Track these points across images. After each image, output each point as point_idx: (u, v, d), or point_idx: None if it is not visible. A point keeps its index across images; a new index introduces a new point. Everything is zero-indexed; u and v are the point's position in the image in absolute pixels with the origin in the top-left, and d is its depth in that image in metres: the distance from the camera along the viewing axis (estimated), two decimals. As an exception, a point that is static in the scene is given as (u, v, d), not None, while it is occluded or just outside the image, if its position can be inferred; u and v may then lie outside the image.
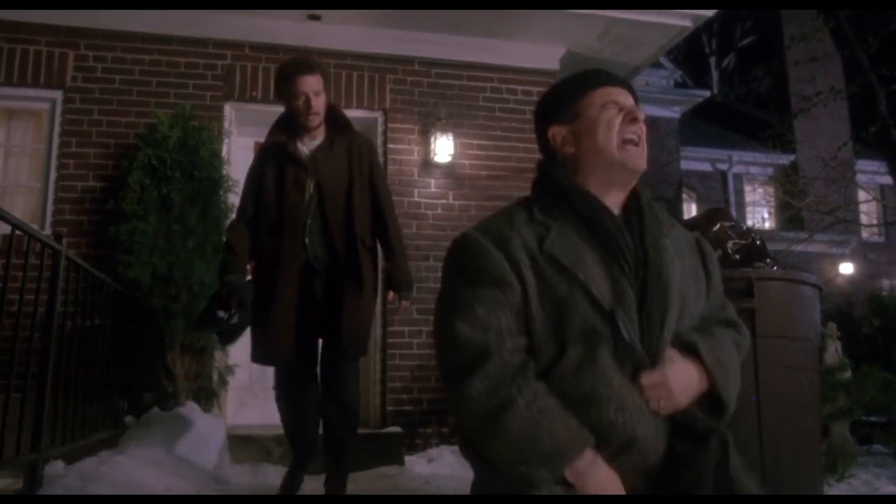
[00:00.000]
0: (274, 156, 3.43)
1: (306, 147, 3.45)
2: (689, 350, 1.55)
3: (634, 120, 1.62)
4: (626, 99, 1.64)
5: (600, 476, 1.43)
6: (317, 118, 3.39)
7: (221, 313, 3.30)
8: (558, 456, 1.41)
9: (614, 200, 1.64)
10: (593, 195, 1.60)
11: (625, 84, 1.68)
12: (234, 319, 3.31)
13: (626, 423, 1.43)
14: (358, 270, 3.35)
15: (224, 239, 3.68)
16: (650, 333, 1.52)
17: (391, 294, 3.78)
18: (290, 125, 3.44)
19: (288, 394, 3.47)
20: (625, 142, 1.61)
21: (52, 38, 5.54)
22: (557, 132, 1.67)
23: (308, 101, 3.33)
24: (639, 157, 1.63)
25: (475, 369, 1.45)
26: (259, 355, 3.41)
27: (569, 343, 1.48)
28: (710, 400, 1.58)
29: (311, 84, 3.34)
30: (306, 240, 3.34)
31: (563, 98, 1.69)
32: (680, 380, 1.51)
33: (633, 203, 1.65)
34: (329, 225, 3.35)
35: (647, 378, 1.48)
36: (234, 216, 3.61)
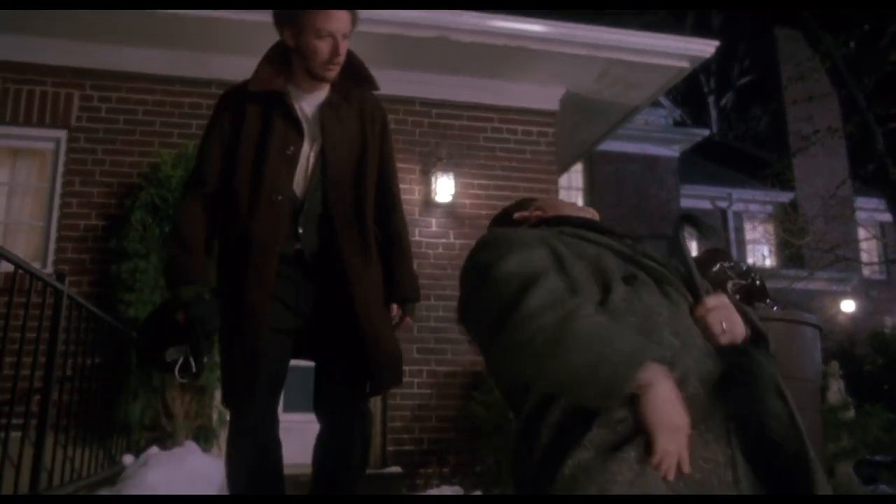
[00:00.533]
0: (261, 105, 2.44)
1: (306, 103, 2.49)
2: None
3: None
4: None
5: (667, 385, 1.32)
6: (336, 70, 2.43)
7: (175, 352, 2.29)
8: (633, 356, 1.32)
9: None
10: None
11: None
12: (196, 367, 2.31)
13: (683, 347, 1.41)
14: (374, 273, 2.48)
15: (172, 225, 2.52)
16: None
17: (394, 307, 2.66)
18: (288, 68, 2.47)
19: (258, 438, 2.39)
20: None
21: (58, 78, 5.61)
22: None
23: (336, 45, 2.35)
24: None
25: (530, 287, 1.40)
26: (235, 396, 2.36)
27: (613, 283, 1.49)
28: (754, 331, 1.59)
29: (343, 22, 2.36)
30: (300, 229, 2.40)
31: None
32: (728, 308, 1.53)
33: None
34: (332, 210, 2.42)
35: (710, 300, 1.52)
36: (186, 191, 2.51)
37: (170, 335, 2.29)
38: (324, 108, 2.46)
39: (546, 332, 1.35)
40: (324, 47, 2.35)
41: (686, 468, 1.30)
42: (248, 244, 2.33)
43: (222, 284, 2.39)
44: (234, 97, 2.48)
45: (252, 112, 2.42)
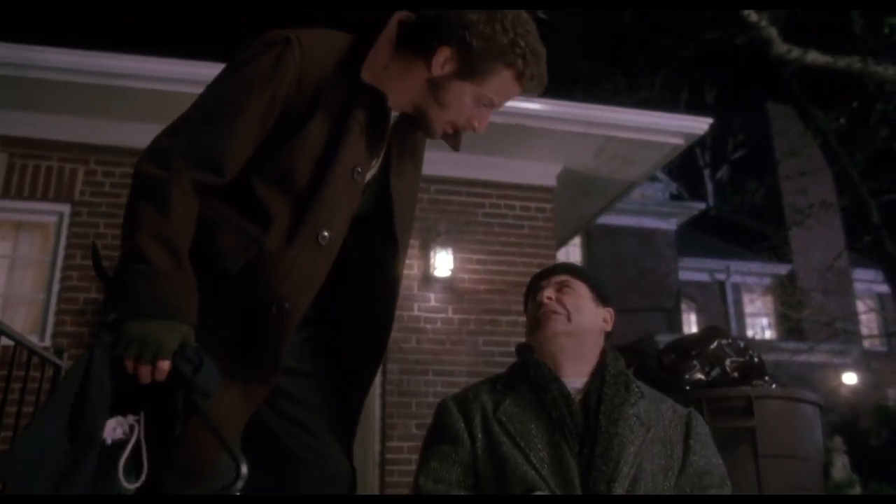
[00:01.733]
0: (342, 91, 1.51)
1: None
2: None
3: (540, 302, 1.93)
4: (548, 280, 1.97)
5: None
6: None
7: (117, 427, 1.36)
8: None
9: (575, 370, 1.86)
10: (548, 367, 1.84)
11: (557, 270, 2.01)
12: (146, 465, 1.36)
13: None
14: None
15: (149, 207, 1.43)
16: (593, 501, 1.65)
17: None
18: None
19: None
20: (539, 320, 1.91)
21: (63, 153, 5.70)
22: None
23: (481, 118, 1.63)
24: (546, 326, 1.89)
25: None
26: None
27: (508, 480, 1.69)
28: None
29: (511, 99, 1.64)
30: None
31: (524, 300, 2.07)
32: None
33: (598, 375, 1.84)
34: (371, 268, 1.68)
35: None
36: (175, 156, 1.43)
37: (117, 398, 1.35)
38: (396, 148, 1.66)
39: None
40: (471, 112, 1.60)
41: None
42: (267, 295, 1.46)
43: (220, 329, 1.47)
44: (308, 61, 1.48)
45: (330, 97, 1.50)
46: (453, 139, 1.71)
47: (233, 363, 1.45)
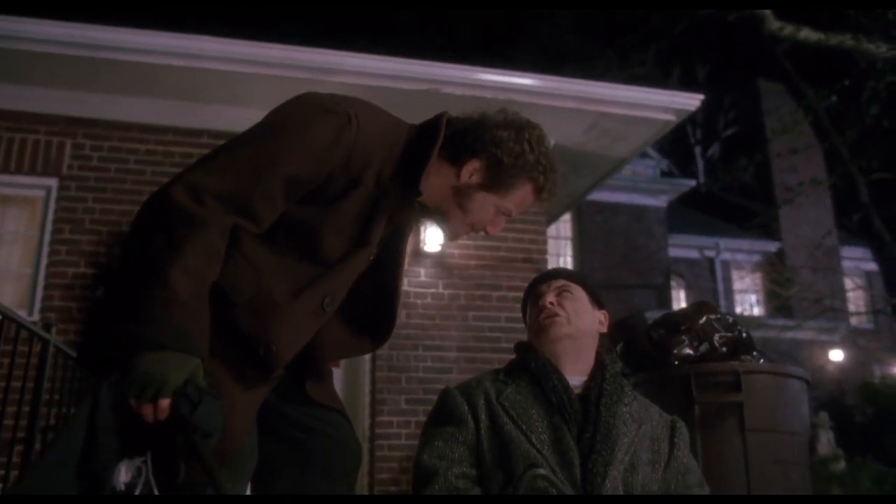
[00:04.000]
0: (385, 185, 1.58)
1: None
2: None
3: (542, 306, 2.03)
4: (548, 285, 2.08)
5: None
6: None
7: (128, 471, 1.32)
8: None
9: (574, 370, 1.97)
10: (548, 360, 1.95)
11: (556, 275, 2.12)
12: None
13: None
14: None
15: (181, 240, 1.38)
16: (592, 480, 1.76)
17: None
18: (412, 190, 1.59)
19: None
20: (540, 325, 2.02)
21: (51, 126, 5.65)
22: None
23: (496, 224, 1.72)
24: (550, 329, 1.99)
25: (425, 486, 1.79)
26: None
27: (515, 474, 1.74)
28: None
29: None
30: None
31: (522, 307, 2.19)
32: None
33: (598, 373, 1.97)
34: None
35: None
36: (215, 197, 1.43)
37: (123, 438, 1.34)
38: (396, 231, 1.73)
39: None
40: (490, 219, 1.68)
41: None
42: (259, 334, 1.48)
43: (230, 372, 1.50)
44: (361, 145, 1.52)
45: (369, 180, 1.55)
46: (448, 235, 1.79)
47: (236, 370, 1.48)
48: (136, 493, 1.29)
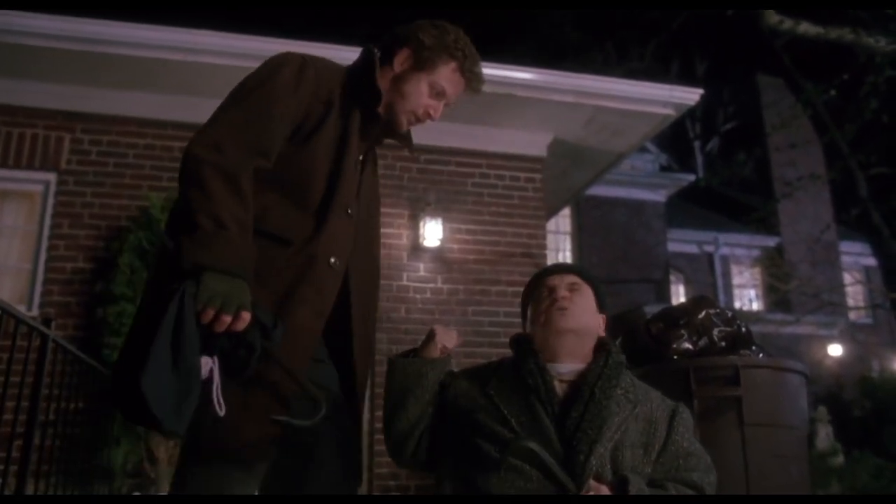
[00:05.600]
0: (348, 101, 1.89)
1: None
2: (620, 483, 1.74)
3: (554, 299, 2.01)
4: (559, 279, 2.07)
5: None
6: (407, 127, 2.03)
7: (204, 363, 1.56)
8: None
9: (571, 361, 1.96)
10: (533, 350, 1.96)
11: (565, 269, 2.13)
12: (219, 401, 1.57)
13: None
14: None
15: (220, 174, 1.64)
16: (574, 458, 1.76)
17: None
18: (371, 99, 1.92)
19: None
20: (549, 316, 1.99)
21: (49, 121, 5.64)
22: (527, 314, 2.12)
23: (437, 109, 1.97)
24: (561, 319, 1.98)
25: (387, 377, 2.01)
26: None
27: (483, 447, 1.81)
28: None
29: (460, 92, 2.00)
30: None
31: (524, 296, 2.17)
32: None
33: (602, 358, 1.97)
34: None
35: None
36: (233, 146, 1.69)
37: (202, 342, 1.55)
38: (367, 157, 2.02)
39: None
40: (427, 101, 1.94)
41: None
42: (314, 251, 1.76)
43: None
44: (321, 77, 1.87)
45: (339, 105, 1.87)
46: (407, 140, 2.08)
47: (287, 307, 1.71)
48: (216, 384, 1.55)
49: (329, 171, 1.83)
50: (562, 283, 2.05)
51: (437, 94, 1.94)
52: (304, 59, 1.87)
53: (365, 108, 1.91)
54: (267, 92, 1.78)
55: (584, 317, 2.00)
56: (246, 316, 1.56)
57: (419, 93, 1.93)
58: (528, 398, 1.86)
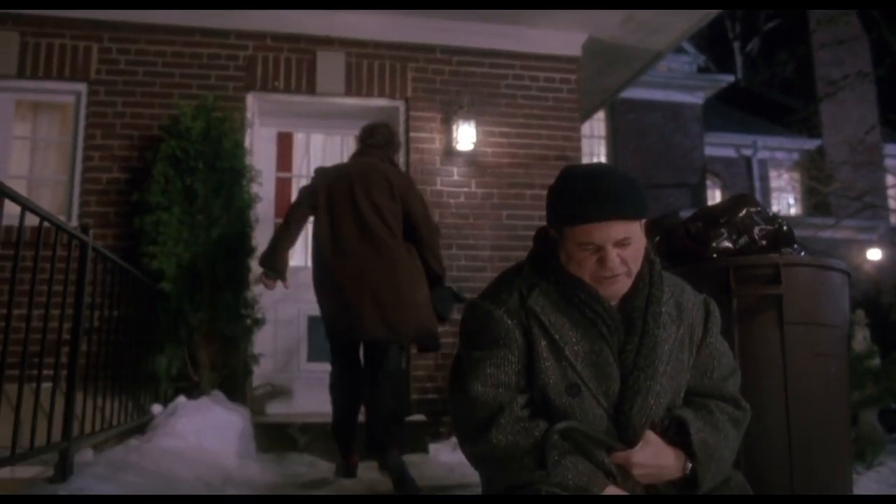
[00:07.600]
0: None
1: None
2: (679, 426, 1.67)
3: (603, 263, 1.67)
4: (605, 234, 1.65)
5: None
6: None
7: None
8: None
9: None
10: (572, 278, 1.70)
11: (611, 214, 1.64)
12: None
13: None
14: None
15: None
16: (632, 398, 1.66)
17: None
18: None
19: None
20: (596, 279, 1.69)
21: (76, 31, 5.58)
22: (552, 229, 1.76)
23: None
24: (612, 288, 1.70)
25: (491, 421, 1.64)
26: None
27: (551, 395, 1.66)
28: (686, 478, 1.68)
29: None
30: None
31: (552, 215, 1.75)
32: (648, 465, 1.65)
33: (647, 274, 1.75)
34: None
35: (614, 458, 1.64)
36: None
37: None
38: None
39: (504, 463, 1.64)
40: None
41: None
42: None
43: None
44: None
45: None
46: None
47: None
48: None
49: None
50: (607, 240, 1.64)
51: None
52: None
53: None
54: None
55: (635, 267, 1.70)
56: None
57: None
58: (589, 331, 1.68)
